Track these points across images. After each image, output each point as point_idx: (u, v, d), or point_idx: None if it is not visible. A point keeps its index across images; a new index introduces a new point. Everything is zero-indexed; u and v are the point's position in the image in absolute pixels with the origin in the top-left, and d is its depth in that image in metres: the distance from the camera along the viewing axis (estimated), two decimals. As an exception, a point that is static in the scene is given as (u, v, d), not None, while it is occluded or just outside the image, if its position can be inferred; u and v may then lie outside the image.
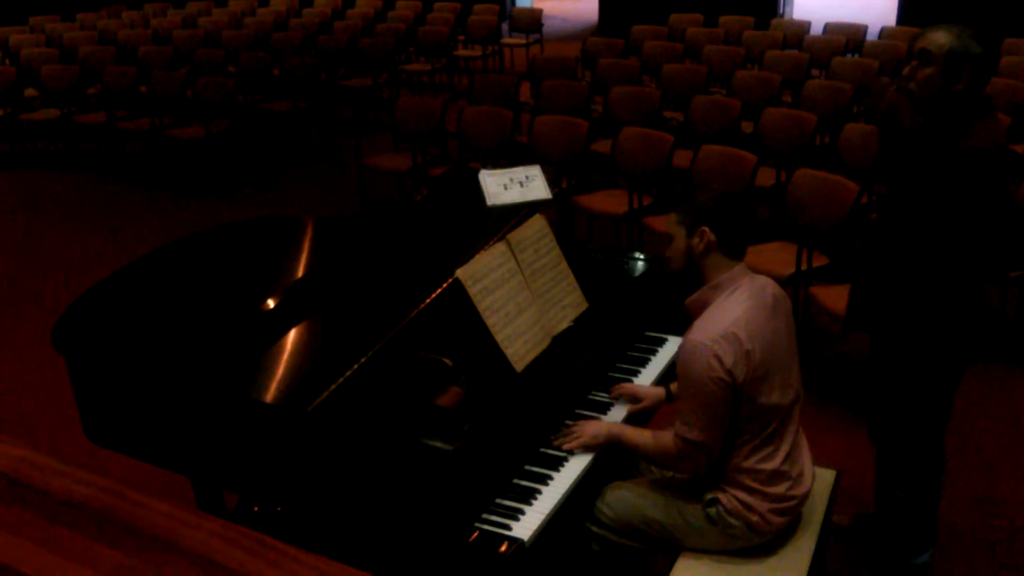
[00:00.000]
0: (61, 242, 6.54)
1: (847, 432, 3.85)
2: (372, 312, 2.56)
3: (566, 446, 2.39)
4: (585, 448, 2.39)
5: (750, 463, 2.31)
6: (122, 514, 1.04)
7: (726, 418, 2.25)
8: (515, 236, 2.66)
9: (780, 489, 2.33)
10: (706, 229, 2.31)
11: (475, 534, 2.08)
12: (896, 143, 2.71)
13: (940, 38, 2.52)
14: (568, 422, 2.51)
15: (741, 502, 2.33)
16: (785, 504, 2.35)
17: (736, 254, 2.35)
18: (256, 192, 7.50)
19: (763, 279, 2.39)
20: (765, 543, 2.40)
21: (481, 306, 2.46)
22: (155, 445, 2.52)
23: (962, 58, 2.50)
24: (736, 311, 2.25)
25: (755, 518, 2.33)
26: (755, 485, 2.32)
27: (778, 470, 2.32)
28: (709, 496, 2.36)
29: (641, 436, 2.42)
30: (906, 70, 2.60)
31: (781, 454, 2.33)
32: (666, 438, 2.33)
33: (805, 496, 2.43)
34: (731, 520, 2.34)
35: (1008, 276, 4.31)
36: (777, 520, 2.36)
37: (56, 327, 2.67)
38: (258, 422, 2.27)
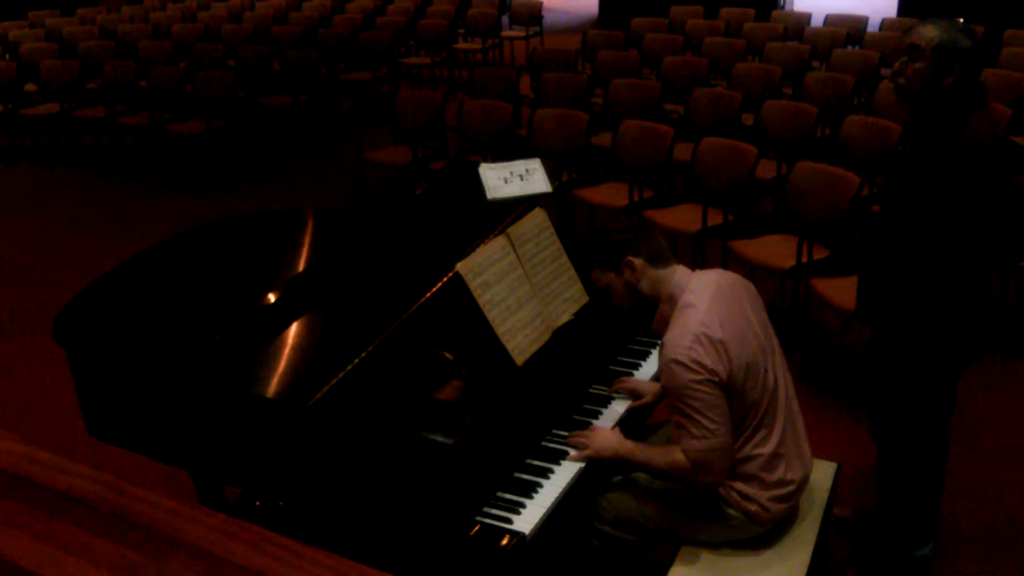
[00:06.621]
0: (62, 237, 6.53)
1: (848, 425, 3.85)
2: (373, 306, 2.56)
3: (570, 456, 2.36)
4: (588, 459, 2.37)
5: (747, 450, 2.31)
6: (124, 509, 1.04)
7: (727, 414, 2.24)
8: (515, 230, 2.66)
9: (778, 473, 2.34)
10: (630, 258, 2.37)
11: (476, 527, 2.09)
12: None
13: (928, 32, 2.53)
14: (574, 416, 2.51)
15: (738, 492, 2.33)
16: (784, 490, 2.36)
17: (667, 261, 2.41)
18: (256, 186, 7.50)
19: (712, 272, 2.42)
20: (766, 535, 2.40)
21: (482, 300, 2.46)
22: (156, 440, 2.52)
23: (951, 52, 2.51)
24: (698, 312, 2.26)
25: (753, 507, 2.33)
26: (753, 471, 2.32)
27: (776, 452, 2.33)
28: (707, 488, 2.36)
29: (651, 455, 2.35)
30: (896, 65, 2.61)
31: (775, 436, 2.33)
32: (677, 456, 2.27)
33: (804, 481, 2.43)
34: (730, 511, 2.35)
35: (1018, 267, 4.31)
36: (776, 507, 2.36)
37: (57, 321, 2.67)
38: (259, 416, 2.27)
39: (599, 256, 2.45)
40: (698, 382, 2.19)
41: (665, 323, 2.35)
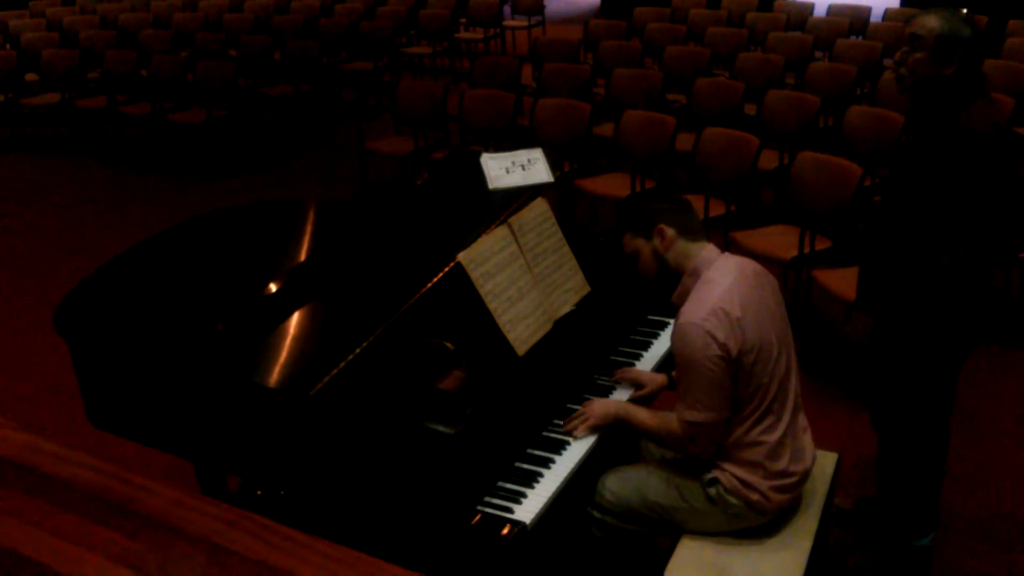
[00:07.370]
0: (62, 227, 6.53)
1: (849, 415, 3.85)
2: (374, 296, 2.56)
3: (577, 432, 2.38)
4: (594, 430, 2.40)
5: (752, 436, 2.32)
6: (126, 498, 1.04)
7: (729, 393, 2.26)
8: (517, 220, 2.66)
9: (782, 464, 2.34)
10: (662, 226, 2.39)
11: (477, 517, 2.09)
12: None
13: (930, 22, 2.54)
14: (571, 406, 2.51)
15: (740, 480, 2.33)
16: (786, 480, 2.36)
17: (698, 236, 2.43)
18: (257, 176, 7.49)
19: (738, 257, 2.45)
20: (767, 525, 2.41)
21: (483, 290, 2.46)
22: (158, 429, 2.53)
23: (952, 41, 2.51)
24: (720, 288, 2.29)
25: (755, 496, 2.34)
26: (758, 459, 2.32)
27: (781, 442, 2.34)
28: (708, 476, 2.37)
29: (648, 417, 2.42)
30: (898, 55, 2.61)
31: (782, 426, 2.34)
32: (672, 422, 2.34)
33: (806, 473, 2.43)
34: (731, 499, 2.35)
35: (1017, 257, 4.30)
36: (778, 498, 2.36)
37: (58, 312, 2.68)
38: (261, 406, 2.28)
39: (633, 221, 2.48)
40: (708, 356, 2.21)
41: (685, 295, 2.37)
